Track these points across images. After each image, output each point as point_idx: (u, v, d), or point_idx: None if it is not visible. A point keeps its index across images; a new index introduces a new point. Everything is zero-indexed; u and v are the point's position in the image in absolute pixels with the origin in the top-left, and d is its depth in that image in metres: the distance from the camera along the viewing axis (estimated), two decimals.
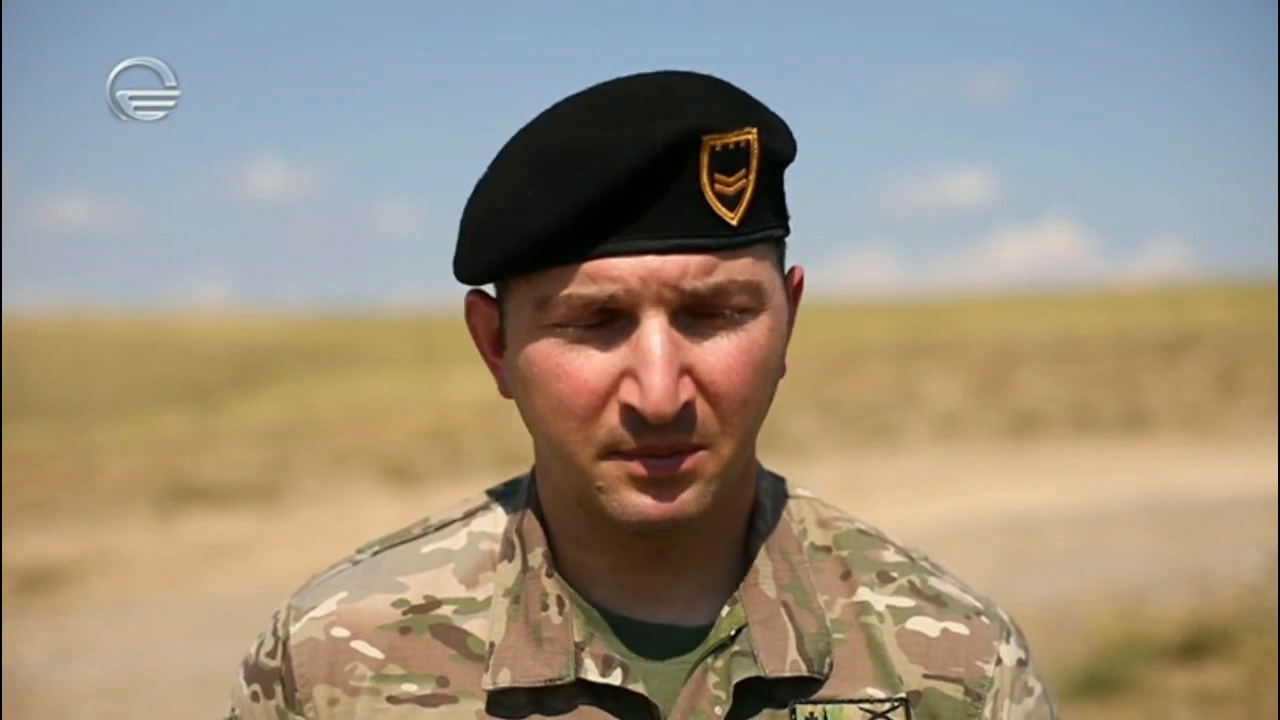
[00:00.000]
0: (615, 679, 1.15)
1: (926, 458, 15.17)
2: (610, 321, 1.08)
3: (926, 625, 1.24)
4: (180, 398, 25.10)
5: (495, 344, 1.16)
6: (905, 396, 20.15)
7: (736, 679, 1.15)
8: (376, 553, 1.23)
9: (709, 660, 1.17)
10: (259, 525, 12.83)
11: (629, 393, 1.07)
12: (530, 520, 1.20)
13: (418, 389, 23.69)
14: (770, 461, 1.33)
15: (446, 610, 1.18)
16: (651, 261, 1.06)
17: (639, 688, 1.15)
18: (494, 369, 1.17)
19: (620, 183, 1.03)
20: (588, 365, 1.08)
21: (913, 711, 1.21)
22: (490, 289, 1.16)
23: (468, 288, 1.17)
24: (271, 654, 1.19)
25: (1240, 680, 6.17)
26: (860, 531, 1.28)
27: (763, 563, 1.21)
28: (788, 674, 1.17)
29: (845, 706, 1.18)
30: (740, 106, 1.09)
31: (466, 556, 1.20)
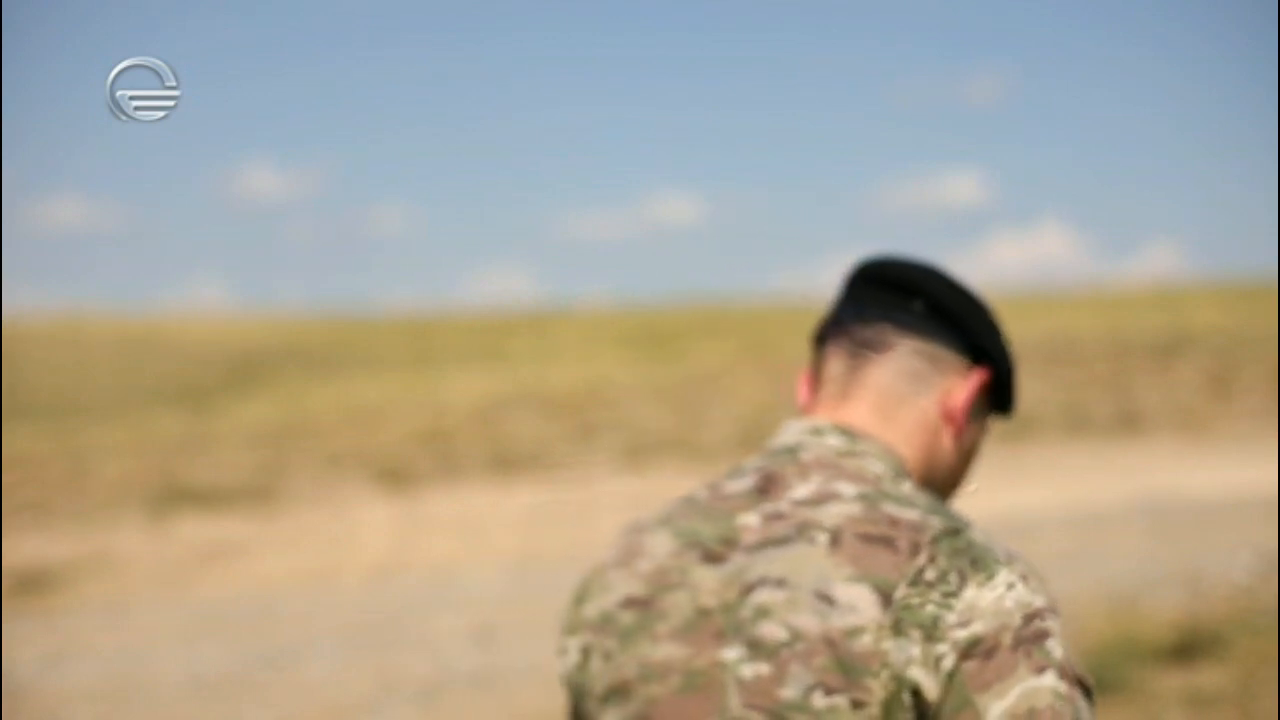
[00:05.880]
0: None
1: None
2: None
3: None
4: (175, 399, 25.09)
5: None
6: None
7: None
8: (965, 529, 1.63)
9: None
10: (253, 527, 12.83)
11: None
12: (905, 468, 1.72)
13: (413, 391, 23.67)
14: None
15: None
16: None
17: None
18: (961, 421, 1.75)
19: None
20: None
21: None
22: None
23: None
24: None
25: (1233, 681, 6.18)
26: None
27: None
28: None
29: None
30: None
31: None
